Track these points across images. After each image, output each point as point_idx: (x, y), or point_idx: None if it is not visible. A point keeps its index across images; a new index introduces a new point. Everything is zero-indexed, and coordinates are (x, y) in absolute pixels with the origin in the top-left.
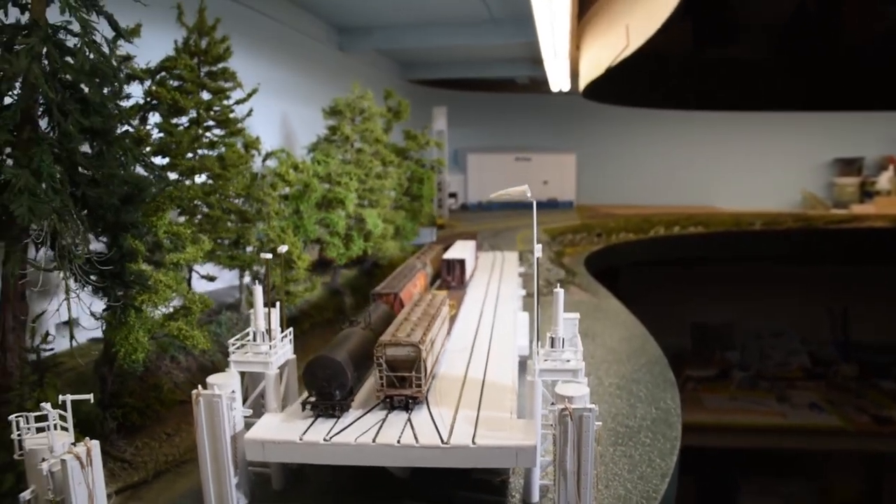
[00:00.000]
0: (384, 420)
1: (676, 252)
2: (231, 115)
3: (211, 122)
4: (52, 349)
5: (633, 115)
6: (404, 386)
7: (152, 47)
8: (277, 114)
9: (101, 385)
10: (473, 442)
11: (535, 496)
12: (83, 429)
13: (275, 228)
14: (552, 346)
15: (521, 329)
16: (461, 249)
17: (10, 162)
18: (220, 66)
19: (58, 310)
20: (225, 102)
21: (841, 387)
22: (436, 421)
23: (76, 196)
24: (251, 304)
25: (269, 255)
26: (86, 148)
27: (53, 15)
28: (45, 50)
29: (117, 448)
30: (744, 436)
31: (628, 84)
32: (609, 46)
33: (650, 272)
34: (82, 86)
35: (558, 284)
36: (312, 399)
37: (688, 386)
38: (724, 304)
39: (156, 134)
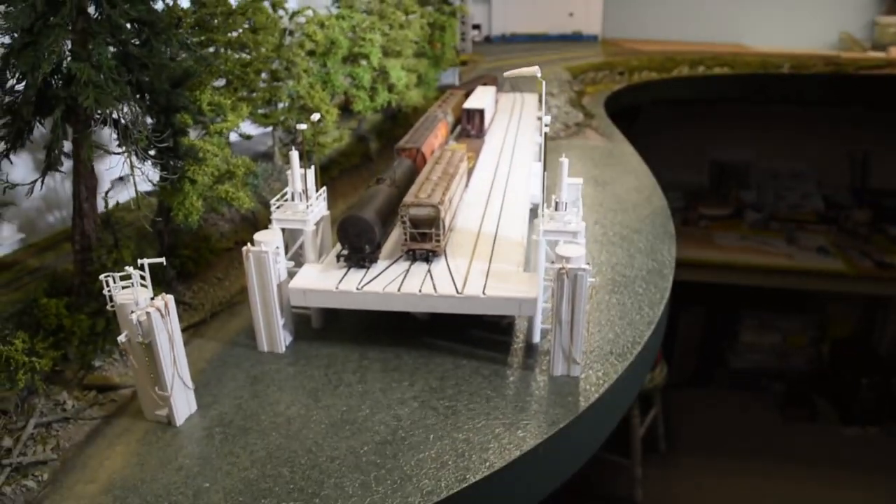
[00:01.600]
0: (407, 271)
1: (700, 92)
2: None
3: None
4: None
5: None
6: (425, 241)
7: None
8: None
9: (159, 239)
10: (483, 292)
11: (537, 338)
12: (150, 277)
13: (304, 85)
14: (556, 209)
15: (534, 180)
16: (481, 98)
17: (68, 57)
18: None
19: (121, 176)
20: None
21: (851, 232)
22: (452, 273)
23: (131, 83)
24: (285, 158)
25: (304, 126)
26: (134, 38)
27: None
28: None
29: (178, 293)
30: (750, 274)
31: None
32: None
33: (671, 109)
34: None
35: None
36: (345, 252)
37: (701, 223)
38: (744, 142)
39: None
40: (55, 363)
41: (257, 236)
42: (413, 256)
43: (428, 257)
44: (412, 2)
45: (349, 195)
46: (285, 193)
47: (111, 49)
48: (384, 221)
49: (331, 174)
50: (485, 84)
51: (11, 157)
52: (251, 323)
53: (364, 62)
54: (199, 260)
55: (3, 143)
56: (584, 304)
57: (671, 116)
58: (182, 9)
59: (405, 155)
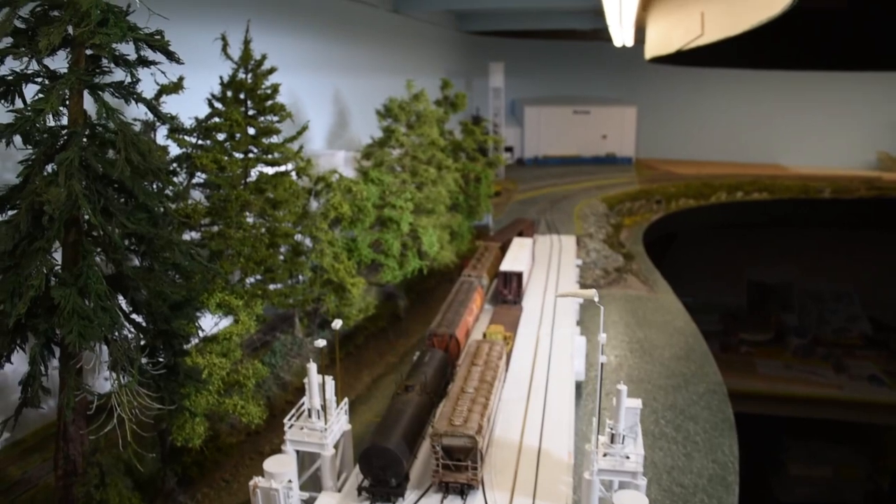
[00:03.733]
0: None
1: (739, 217)
2: (281, 152)
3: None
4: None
5: (697, 68)
6: (460, 472)
7: (195, 85)
8: (329, 90)
9: (160, 441)
10: None
11: None
12: (146, 486)
13: (328, 259)
14: (612, 441)
15: (578, 356)
16: (518, 255)
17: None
18: (269, 103)
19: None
20: (273, 140)
21: None
22: None
23: (126, 303)
24: (306, 329)
25: (339, 323)
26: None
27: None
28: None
29: None
30: (797, 406)
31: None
32: (680, 27)
33: (708, 231)
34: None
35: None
36: (368, 485)
37: (741, 349)
38: (783, 262)
39: (199, 196)
40: None
41: (267, 465)
42: (446, 489)
43: (463, 490)
44: (445, 155)
45: (375, 365)
46: (301, 407)
47: (103, 268)
48: (412, 445)
49: (356, 341)
50: (521, 234)
51: None
52: None
53: (393, 226)
54: (205, 462)
55: None
56: None
57: (707, 238)
58: (192, 205)
59: (437, 343)
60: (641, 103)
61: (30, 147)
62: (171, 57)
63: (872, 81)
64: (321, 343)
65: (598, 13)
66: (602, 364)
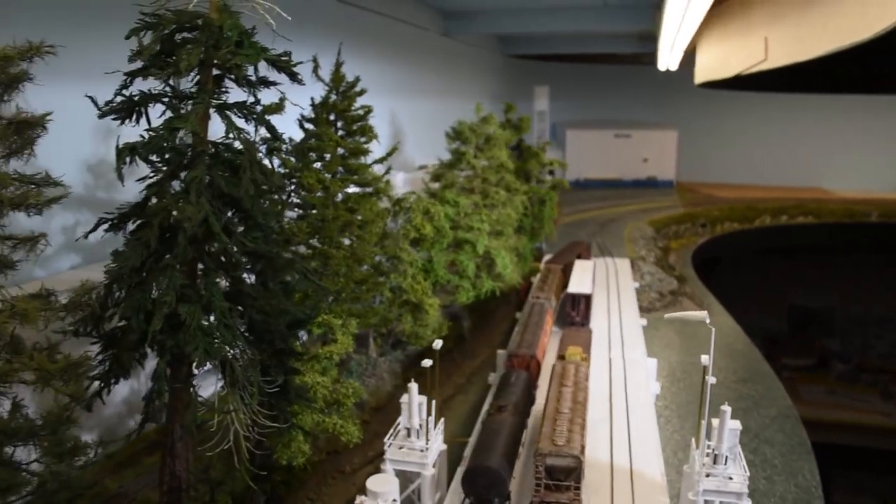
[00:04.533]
0: None
1: (784, 241)
2: (367, 173)
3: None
4: None
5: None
6: (561, 492)
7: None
8: (385, 111)
9: (250, 459)
10: None
11: None
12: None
13: (409, 277)
14: (714, 461)
15: (651, 378)
16: (583, 277)
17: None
18: (359, 125)
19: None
20: (362, 160)
21: None
22: None
23: (243, 324)
24: (379, 349)
25: (439, 344)
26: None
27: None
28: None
29: None
30: (842, 433)
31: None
32: (741, 51)
33: (750, 256)
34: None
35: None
36: None
37: (783, 374)
38: (825, 286)
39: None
40: None
41: (370, 484)
42: None
43: None
44: (514, 178)
45: (444, 386)
46: (398, 426)
47: (223, 285)
48: (511, 463)
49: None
50: (579, 256)
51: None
52: None
53: (468, 247)
54: (292, 481)
55: (97, 381)
56: None
57: (750, 261)
58: (291, 221)
59: (517, 363)
60: (682, 127)
61: (157, 164)
62: (294, 78)
63: None
64: (428, 363)
65: (642, 37)
66: (710, 384)
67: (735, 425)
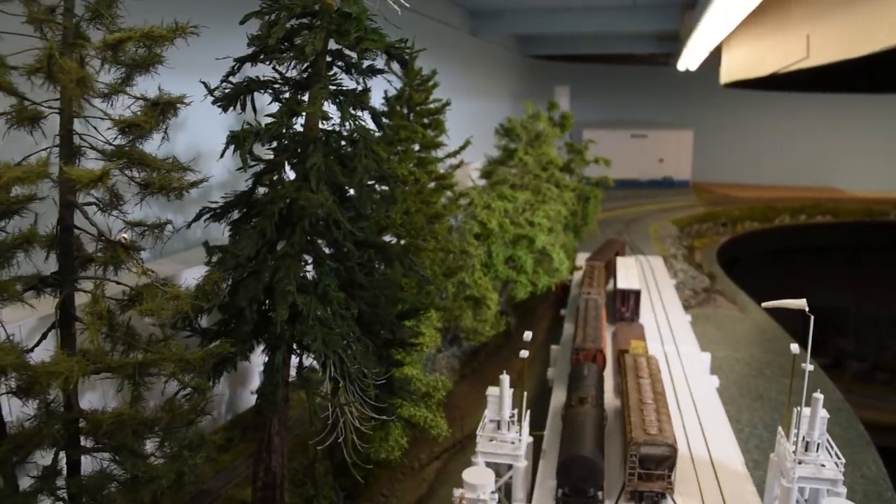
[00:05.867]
0: None
1: (804, 241)
2: (439, 167)
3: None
4: None
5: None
6: (653, 481)
7: None
8: None
9: (329, 456)
10: None
11: None
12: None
13: (477, 271)
14: (806, 449)
15: (707, 370)
16: (629, 274)
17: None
18: (431, 118)
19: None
20: (434, 154)
21: None
22: None
23: (353, 316)
24: (436, 348)
25: (525, 354)
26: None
27: None
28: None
29: None
30: None
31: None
32: (778, 50)
33: (766, 256)
34: (351, 192)
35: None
36: (566, 495)
37: None
38: (839, 286)
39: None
40: None
41: (467, 476)
42: (639, 497)
43: (656, 499)
44: (563, 176)
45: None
46: (485, 419)
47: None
48: (603, 454)
49: (479, 358)
50: (617, 253)
51: None
52: None
53: (525, 242)
54: (368, 477)
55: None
56: None
57: (766, 261)
58: (393, 219)
59: (584, 356)
60: (697, 127)
61: (275, 151)
62: (405, 66)
63: None
64: (525, 354)
65: (661, 38)
66: (808, 372)
67: (824, 415)
